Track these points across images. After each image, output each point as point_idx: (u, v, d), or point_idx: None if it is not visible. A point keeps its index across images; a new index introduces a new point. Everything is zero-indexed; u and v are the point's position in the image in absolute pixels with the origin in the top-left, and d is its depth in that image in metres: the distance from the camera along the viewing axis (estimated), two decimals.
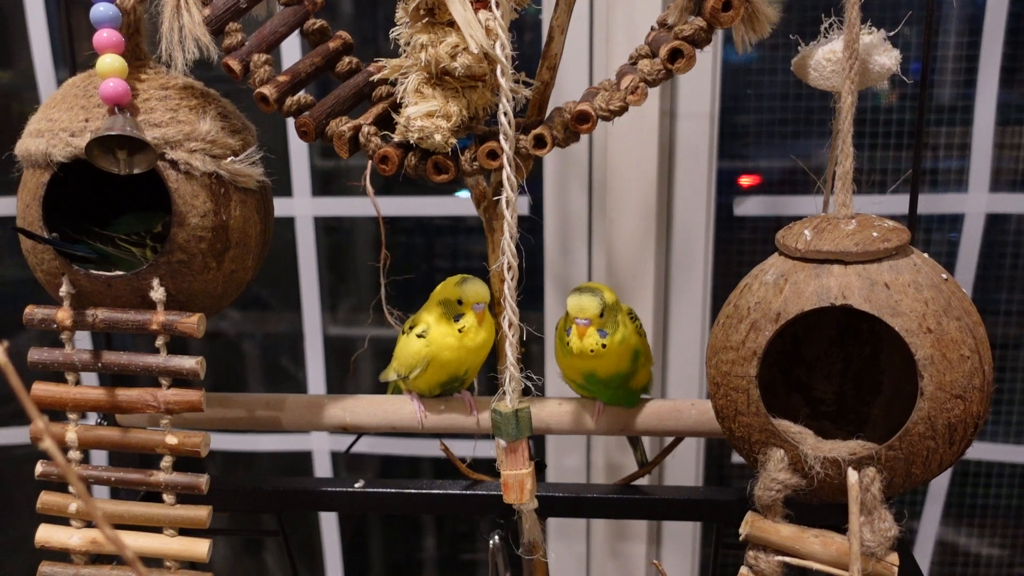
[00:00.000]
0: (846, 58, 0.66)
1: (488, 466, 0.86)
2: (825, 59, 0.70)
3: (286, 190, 1.26)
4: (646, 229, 1.18)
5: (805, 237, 0.66)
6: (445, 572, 1.53)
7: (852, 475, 0.59)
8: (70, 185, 0.71)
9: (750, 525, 0.67)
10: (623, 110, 0.68)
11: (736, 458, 1.35)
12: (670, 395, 1.26)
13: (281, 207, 1.25)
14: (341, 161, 1.33)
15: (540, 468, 0.91)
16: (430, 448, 1.37)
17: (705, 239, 1.20)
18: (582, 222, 1.21)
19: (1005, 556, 1.36)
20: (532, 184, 1.20)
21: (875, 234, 0.65)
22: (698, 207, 1.19)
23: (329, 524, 1.42)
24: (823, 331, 0.78)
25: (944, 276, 0.65)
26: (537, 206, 1.21)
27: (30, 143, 0.69)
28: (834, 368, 0.78)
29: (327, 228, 1.34)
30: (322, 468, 1.40)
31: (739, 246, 1.30)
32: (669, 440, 0.87)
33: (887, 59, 0.70)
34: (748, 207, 1.26)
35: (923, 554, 1.34)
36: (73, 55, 0.83)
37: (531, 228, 1.22)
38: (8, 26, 1.36)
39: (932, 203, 1.23)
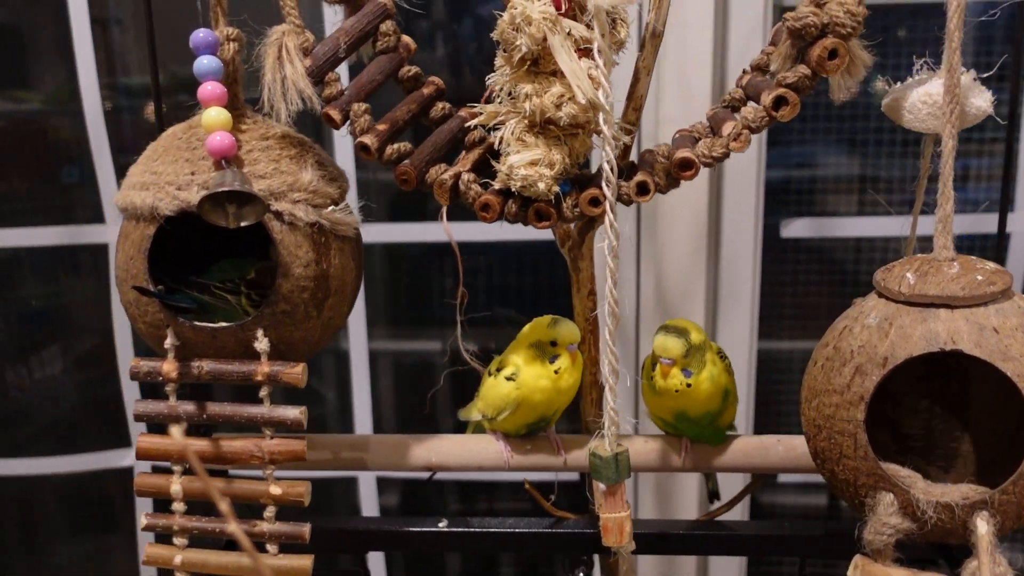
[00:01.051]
0: (947, 103, 0.67)
1: (569, 497, 0.87)
2: (921, 102, 0.71)
3: None
4: (696, 251, 1.19)
5: (908, 280, 0.66)
6: None
7: (982, 525, 0.59)
8: (166, 235, 0.70)
9: (860, 569, 0.68)
10: (725, 157, 0.68)
11: (783, 476, 1.35)
12: None
13: None
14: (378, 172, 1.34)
15: None
16: None
17: (753, 261, 1.20)
18: (630, 244, 1.21)
19: None
20: None
21: (980, 277, 0.65)
22: (746, 229, 1.19)
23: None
24: (910, 368, 0.78)
25: None
26: None
27: (134, 196, 0.68)
28: (921, 403, 0.79)
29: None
30: (367, 490, 1.40)
31: (781, 266, 1.31)
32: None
33: (982, 101, 0.71)
34: (795, 229, 1.27)
35: None
36: (157, 82, 0.82)
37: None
38: (35, 49, 1.35)
39: (975, 223, 1.24)
